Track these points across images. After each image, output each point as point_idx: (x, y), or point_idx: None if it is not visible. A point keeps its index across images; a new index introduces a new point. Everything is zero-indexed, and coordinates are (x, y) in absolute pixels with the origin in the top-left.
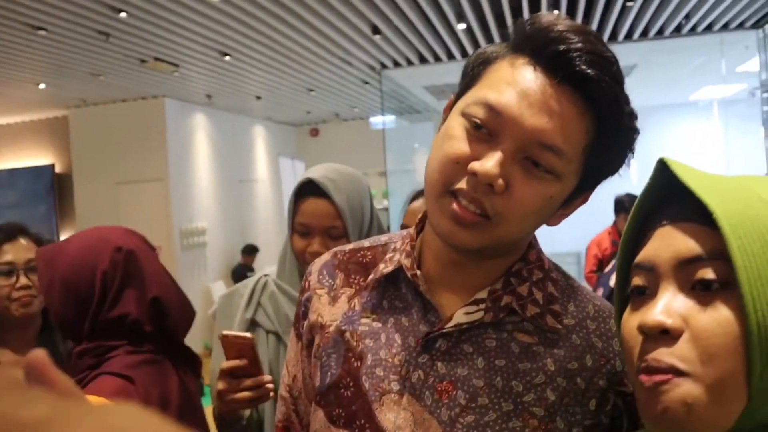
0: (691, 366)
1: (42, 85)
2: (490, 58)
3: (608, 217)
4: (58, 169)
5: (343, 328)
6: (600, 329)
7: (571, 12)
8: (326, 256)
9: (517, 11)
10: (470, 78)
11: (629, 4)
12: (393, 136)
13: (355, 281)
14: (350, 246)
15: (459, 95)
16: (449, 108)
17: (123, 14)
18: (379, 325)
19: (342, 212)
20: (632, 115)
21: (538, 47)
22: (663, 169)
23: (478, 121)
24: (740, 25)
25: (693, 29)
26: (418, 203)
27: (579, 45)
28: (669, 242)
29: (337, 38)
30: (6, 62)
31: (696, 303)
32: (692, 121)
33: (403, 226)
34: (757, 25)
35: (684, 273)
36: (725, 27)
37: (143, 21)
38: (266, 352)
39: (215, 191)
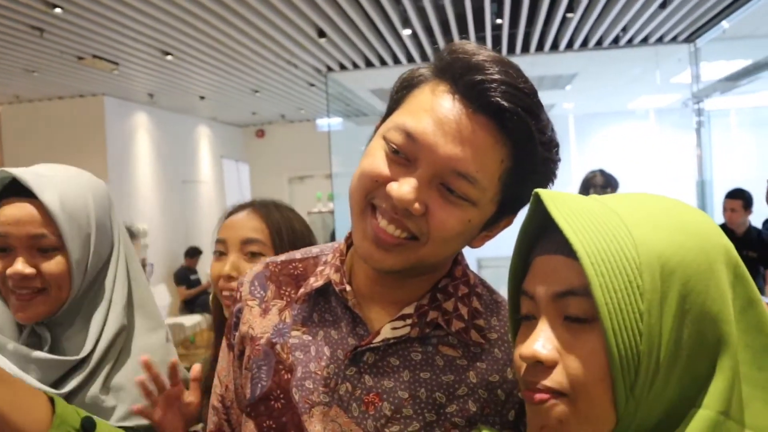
0: (566, 389)
1: None
2: (414, 83)
3: None
4: None
5: (274, 340)
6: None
7: (514, 21)
8: (258, 267)
9: (461, 18)
10: (394, 102)
11: (569, 15)
12: (339, 139)
13: (286, 293)
14: (282, 257)
15: (384, 118)
16: (377, 129)
17: (58, 10)
18: (309, 338)
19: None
20: (550, 145)
21: (457, 75)
22: (539, 201)
23: (395, 146)
24: (674, 39)
25: (630, 41)
26: (237, 217)
27: (496, 76)
28: (544, 275)
29: (282, 40)
30: None
31: (568, 334)
32: (630, 129)
33: (218, 241)
34: (689, 39)
35: (558, 305)
36: (660, 40)
37: (80, 17)
38: None
39: (157, 192)
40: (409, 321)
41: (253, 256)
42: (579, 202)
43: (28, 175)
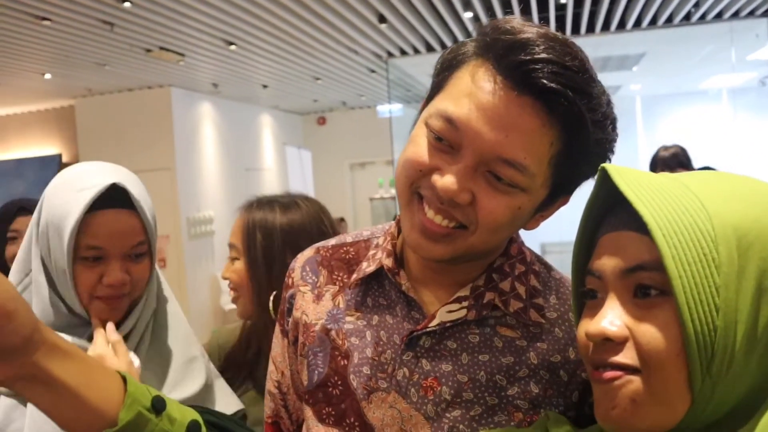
0: (638, 365)
1: (48, 75)
2: (455, 63)
3: None
4: (65, 159)
5: (329, 326)
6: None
7: (579, 0)
8: (309, 252)
9: None
10: (436, 84)
11: None
12: (400, 125)
13: (339, 278)
14: (333, 241)
15: (427, 101)
16: (420, 112)
17: (127, 4)
18: (364, 323)
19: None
20: (604, 123)
21: (500, 55)
22: (606, 176)
23: (437, 134)
24: (751, 13)
25: (703, 17)
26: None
27: (541, 55)
28: (612, 251)
29: (343, 27)
30: (11, 53)
31: (639, 309)
32: (702, 110)
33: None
34: None
35: (627, 281)
36: (736, 15)
37: (147, 10)
38: None
39: (222, 180)
40: (465, 303)
41: (232, 260)
42: (648, 177)
43: (131, 186)
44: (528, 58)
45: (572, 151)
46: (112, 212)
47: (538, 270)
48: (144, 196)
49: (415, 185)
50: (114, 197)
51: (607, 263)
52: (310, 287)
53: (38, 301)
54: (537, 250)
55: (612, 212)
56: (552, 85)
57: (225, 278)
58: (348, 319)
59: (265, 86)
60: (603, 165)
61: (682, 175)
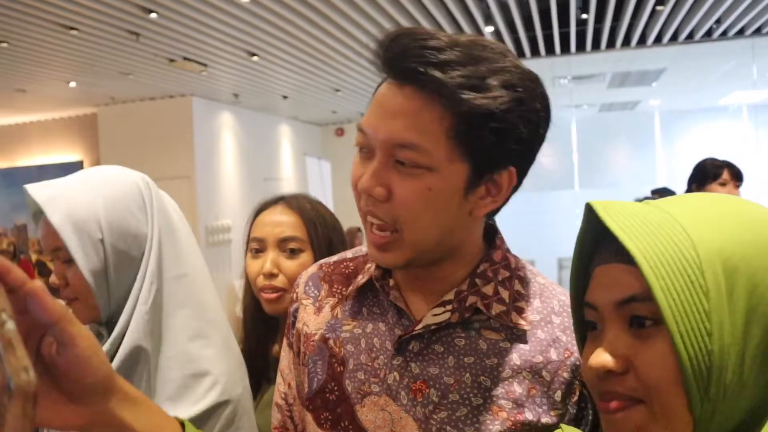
0: (640, 395)
1: (72, 84)
2: (377, 87)
3: None
4: (86, 166)
5: (327, 335)
6: (564, 323)
7: (600, 16)
8: (313, 269)
9: (545, 14)
10: None
11: (659, 8)
12: None
13: (338, 291)
14: (335, 258)
15: None
16: None
17: (153, 14)
18: (360, 330)
19: None
20: (491, 94)
21: (380, 60)
22: (592, 211)
23: (358, 146)
24: None
25: (724, 33)
26: (271, 214)
27: (402, 44)
28: (605, 284)
29: (364, 39)
30: (38, 61)
31: (636, 339)
32: (721, 126)
33: (254, 239)
34: None
35: (622, 312)
36: (758, 31)
37: (173, 21)
38: None
39: (241, 189)
40: (449, 307)
41: (293, 252)
42: (632, 208)
43: (43, 196)
44: (395, 51)
45: (468, 120)
46: (44, 219)
47: (523, 276)
48: (73, 205)
49: (358, 206)
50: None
51: (601, 296)
52: (311, 300)
53: None
54: (554, 265)
55: (602, 244)
56: (415, 66)
57: (274, 273)
58: (345, 327)
59: (285, 97)
60: (588, 201)
61: (666, 202)
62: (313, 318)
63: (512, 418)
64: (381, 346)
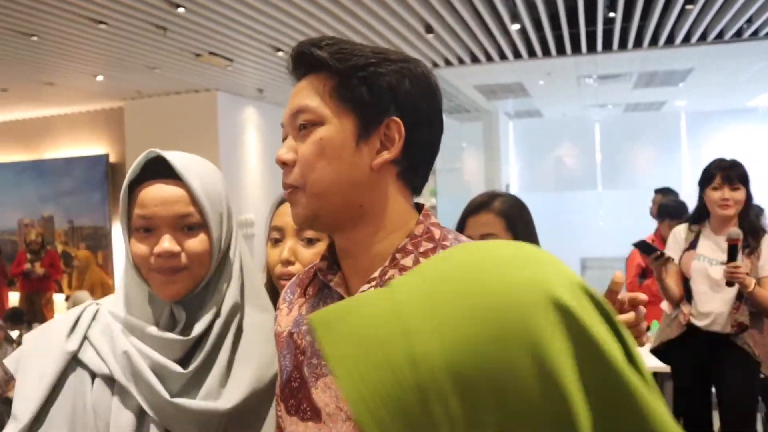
0: None
1: (100, 77)
2: None
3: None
4: (112, 159)
5: (292, 330)
6: None
7: (628, 14)
8: (297, 275)
9: (572, 12)
10: None
11: (689, 7)
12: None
13: (305, 291)
14: (314, 264)
15: None
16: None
17: (181, 9)
18: None
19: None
20: (357, 60)
21: (289, 70)
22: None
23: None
24: None
25: (755, 33)
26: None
27: (295, 51)
28: None
29: (390, 36)
30: (67, 54)
31: None
32: (749, 128)
33: (274, 228)
34: None
35: None
36: None
37: (200, 16)
38: (83, 397)
39: (264, 184)
40: (373, 283)
41: (310, 242)
42: (357, 323)
43: (177, 159)
44: (293, 55)
45: (344, 81)
46: (158, 182)
47: (449, 245)
48: (197, 170)
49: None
50: (162, 171)
51: None
52: (287, 304)
53: (128, 287)
54: (577, 266)
55: None
56: (296, 52)
57: (291, 260)
58: (306, 321)
59: None
60: (309, 316)
61: (412, 280)
62: (284, 319)
63: None
64: None
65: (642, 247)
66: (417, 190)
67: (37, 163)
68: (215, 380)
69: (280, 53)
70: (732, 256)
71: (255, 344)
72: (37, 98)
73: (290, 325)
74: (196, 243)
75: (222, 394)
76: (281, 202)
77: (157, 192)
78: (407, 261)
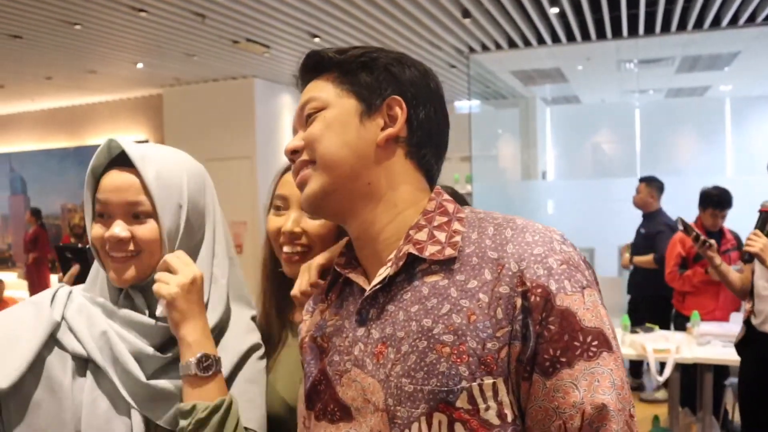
0: None
1: (140, 65)
2: None
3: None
4: None
5: (315, 335)
6: (495, 241)
7: None
8: (319, 287)
9: None
10: None
11: None
12: (478, 121)
13: (329, 297)
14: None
15: None
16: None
17: None
18: (341, 321)
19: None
20: (351, 58)
21: (297, 82)
22: None
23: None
24: None
25: None
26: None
27: (300, 66)
28: None
29: (427, 21)
30: (109, 43)
31: None
32: None
33: (278, 197)
34: None
35: None
36: None
37: (238, 2)
38: (61, 379)
39: None
40: (390, 264)
41: None
42: None
43: (133, 148)
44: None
45: (343, 69)
46: (115, 171)
47: (464, 216)
48: (158, 161)
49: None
50: (125, 160)
51: None
52: (309, 313)
53: (97, 271)
54: (615, 253)
55: None
56: (302, 64)
57: (296, 232)
58: (329, 323)
59: None
60: None
61: None
62: (306, 325)
63: (456, 351)
64: (349, 325)
65: (684, 225)
66: (430, 174)
67: (80, 149)
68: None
69: (317, 39)
70: (760, 225)
71: (232, 338)
72: (80, 86)
73: (312, 330)
74: (145, 230)
75: None
76: (285, 171)
77: (112, 179)
78: (421, 235)
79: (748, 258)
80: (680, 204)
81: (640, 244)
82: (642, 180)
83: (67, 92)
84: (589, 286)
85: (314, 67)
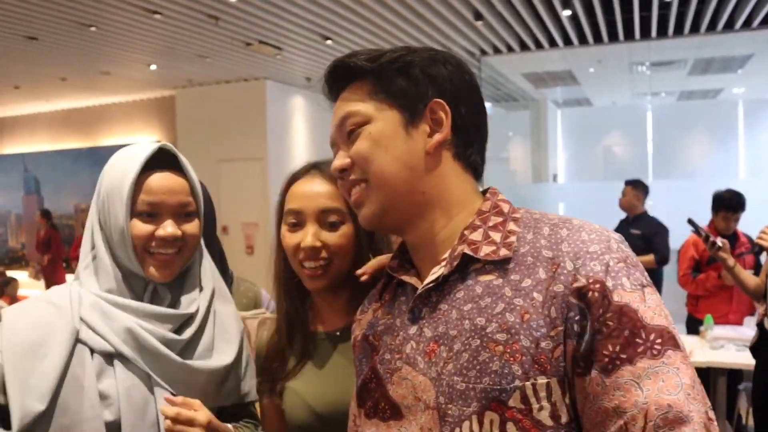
0: None
1: (153, 66)
2: None
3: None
4: None
5: (367, 333)
6: (550, 241)
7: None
8: (376, 287)
9: None
10: None
11: None
12: (489, 124)
13: (383, 297)
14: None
15: None
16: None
17: None
18: (392, 320)
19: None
20: (386, 64)
21: (327, 94)
22: None
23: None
24: None
25: None
26: (308, 185)
27: (328, 71)
28: None
29: (438, 23)
30: (123, 45)
31: None
32: None
33: (291, 212)
34: None
35: None
36: None
37: (250, 5)
38: (82, 377)
39: None
40: (444, 263)
41: (333, 225)
42: None
43: (178, 153)
44: (325, 81)
45: (378, 78)
46: (165, 172)
47: (519, 217)
48: (189, 165)
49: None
50: (164, 162)
51: None
52: (363, 313)
53: (102, 268)
54: None
55: None
56: (331, 68)
57: (316, 246)
58: (381, 322)
59: None
60: None
61: None
62: (359, 324)
63: (509, 350)
64: (401, 324)
65: (693, 224)
66: (477, 171)
67: (93, 150)
68: (204, 347)
69: (329, 42)
70: None
71: (227, 325)
72: (94, 87)
73: (365, 329)
74: (193, 228)
75: (213, 358)
76: (293, 180)
77: (165, 181)
78: (476, 236)
79: (758, 251)
80: (692, 207)
81: (635, 246)
82: (628, 183)
83: (82, 93)
84: (649, 285)
85: (344, 76)
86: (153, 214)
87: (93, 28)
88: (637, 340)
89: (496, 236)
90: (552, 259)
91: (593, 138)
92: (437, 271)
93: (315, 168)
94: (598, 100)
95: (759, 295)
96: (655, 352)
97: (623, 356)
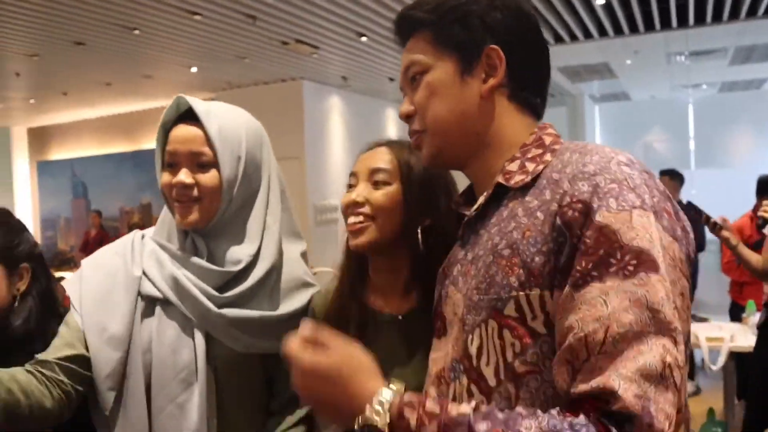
0: None
1: (194, 69)
2: None
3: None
4: None
5: (444, 266)
6: (563, 163)
7: None
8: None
9: None
10: None
11: None
12: None
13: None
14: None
15: None
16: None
17: None
18: (456, 250)
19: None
20: (436, 5)
21: (397, 40)
22: None
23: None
24: None
25: None
26: (369, 151)
27: (395, 21)
28: None
29: None
30: (164, 47)
31: None
32: None
33: (351, 174)
34: None
35: None
36: None
37: (287, 3)
38: (141, 324)
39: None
40: (487, 194)
41: (376, 185)
42: None
43: (199, 105)
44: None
45: (437, 27)
46: (182, 125)
47: (557, 148)
48: (221, 116)
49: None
50: (191, 116)
51: None
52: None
53: (163, 217)
54: None
55: None
56: (397, 19)
57: (359, 202)
58: (452, 253)
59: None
60: None
61: None
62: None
63: (509, 263)
64: (457, 251)
65: (692, 207)
66: (536, 109)
67: (136, 153)
68: (249, 299)
69: (364, 38)
70: None
71: (285, 273)
72: (137, 91)
73: (444, 263)
74: (207, 178)
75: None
76: (363, 152)
77: (179, 132)
78: (512, 166)
79: (762, 224)
80: (736, 198)
81: None
82: (664, 173)
83: (125, 98)
84: (642, 207)
85: (408, 27)
86: (172, 164)
87: (136, 31)
88: (611, 260)
89: (530, 166)
90: (557, 181)
91: (633, 134)
92: (479, 201)
93: (379, 143)
94: (636, 94)
95: (766, 274)
96: (627, 273)
97: (594, 273)
